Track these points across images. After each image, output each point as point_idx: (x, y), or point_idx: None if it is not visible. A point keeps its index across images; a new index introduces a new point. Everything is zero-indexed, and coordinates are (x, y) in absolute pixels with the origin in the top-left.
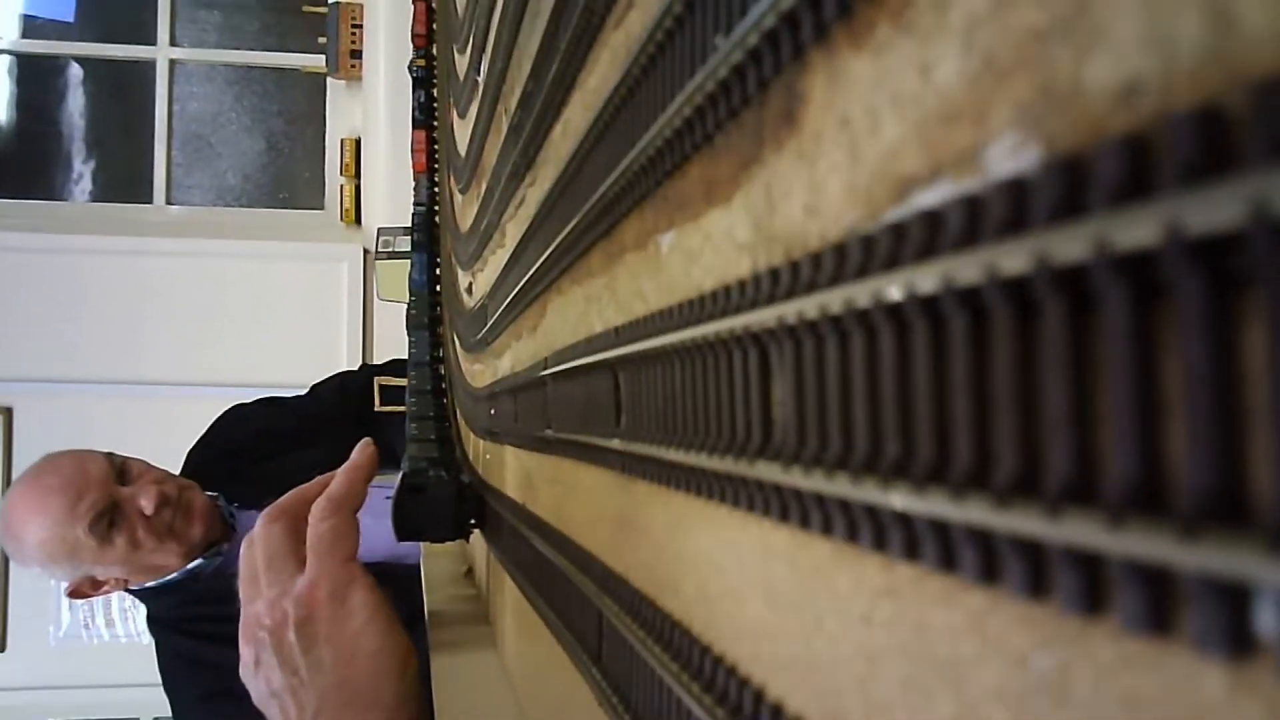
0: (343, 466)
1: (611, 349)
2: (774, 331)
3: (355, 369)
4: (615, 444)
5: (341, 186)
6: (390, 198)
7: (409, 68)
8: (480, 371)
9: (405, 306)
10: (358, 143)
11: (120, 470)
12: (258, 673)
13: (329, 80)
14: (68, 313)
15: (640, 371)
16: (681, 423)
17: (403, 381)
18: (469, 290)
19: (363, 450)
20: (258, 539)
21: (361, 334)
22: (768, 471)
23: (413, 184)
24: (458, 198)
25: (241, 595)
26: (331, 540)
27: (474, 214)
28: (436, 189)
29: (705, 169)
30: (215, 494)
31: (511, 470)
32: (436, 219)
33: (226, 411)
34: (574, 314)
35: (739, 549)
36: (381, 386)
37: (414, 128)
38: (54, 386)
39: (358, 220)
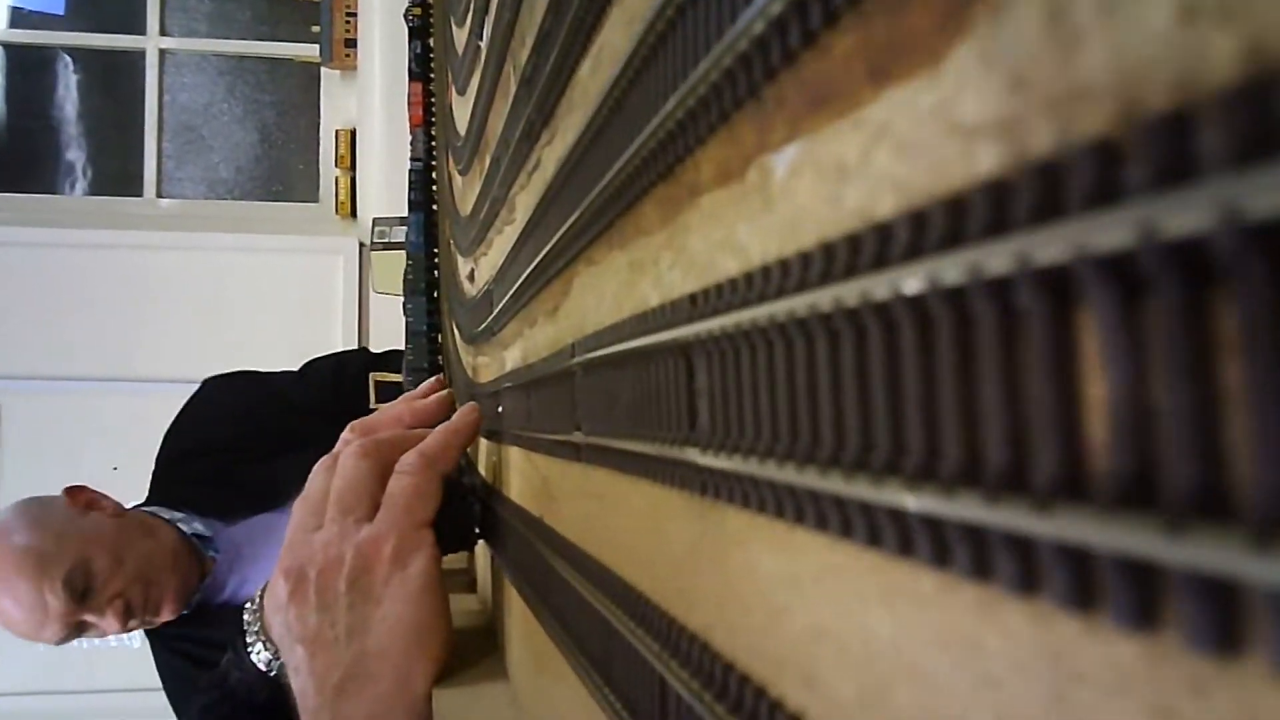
0: (443, 424)
1: (683, 326)
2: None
3: (353, 350)
4: (690, 455)
5: (336, 179)
6: (386, 190)
7: (404, 16)
8: (485, 365)
9: (401, 299)
10: (353, 134)
11: (84, 588)
12: (289, 607)
13: (323, 70)
14: (56, 309)
15: (737, 354)
16: (831, 429)
17: (399, 377)
18: (470, 277)
19: (467, 413)
20: (341, 468)
21: (357, 329)
22: (1056, 523)
23: (409, 139)
24: (457, 181)
25: (295, 513)
26: (411, 497)
27: (476, 194)
28: (434, 143)
29: (872, 31)
30: (182, 515)
31: (523, 476)
32: (434, 175)
33: (198, 393)
34: (613, 287)
35: (958, 633)
36: (378, 383)
37: (410, 79)
38: (42, 384)
39: (353, 213)
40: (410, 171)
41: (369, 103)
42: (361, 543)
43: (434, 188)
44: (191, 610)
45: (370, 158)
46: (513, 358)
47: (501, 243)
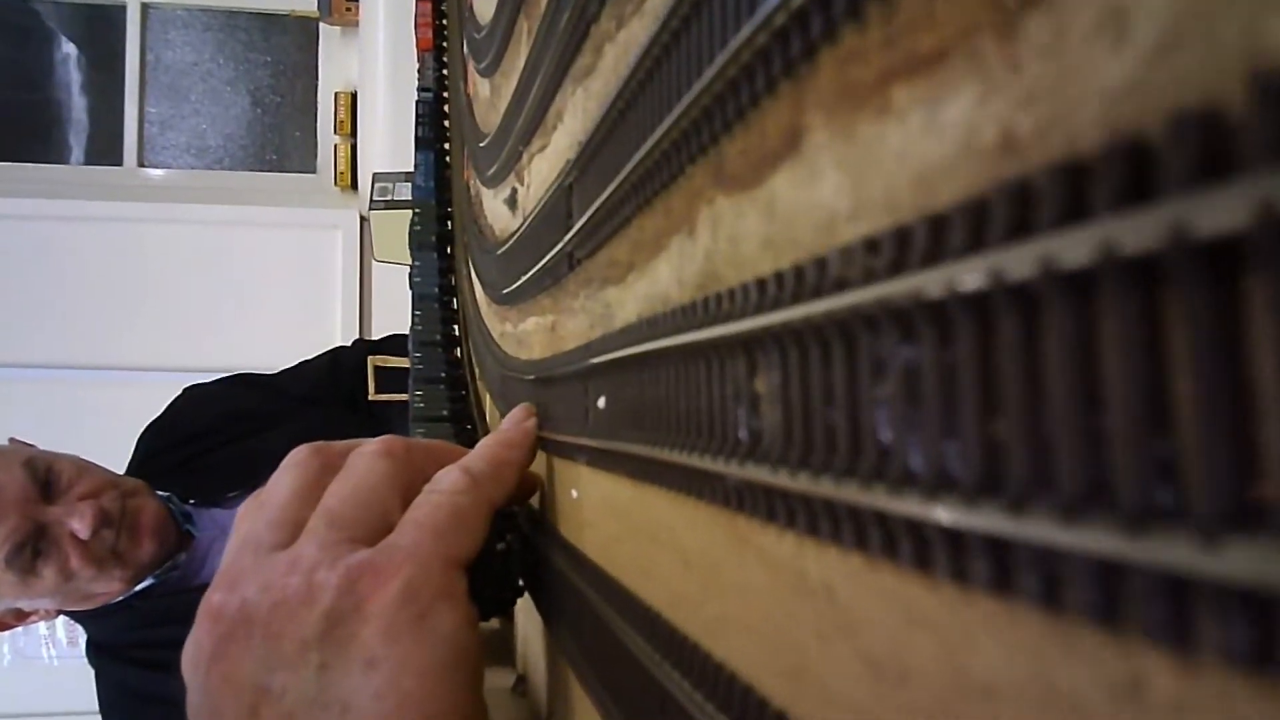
0: (488, 437)
1: None
2: None
3: (349, 344)
4: None
5: (335, 146)
6: (390, 158)
7: None
8: (536, 333)
9: (406, 270)
10: (353, 97)
11: (45, 480)
12: (209, 667)
13: (321, 26)
14: (24, 288)
15: None
16: None
17: (403, 362)
18: (511, 202)
19: (521, 417)
20: (349, 467)
21: (358, 310)
22: None
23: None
24: (481, 91)
25: (242, 522)
26: (446, 522)
27: (516, 77)
28: (445, 71)
29: None
30: (167, 494)
31: (665, 545)
32: (446, 108)
33: (185, 390)
34: None
35: None
36: (378, 369)
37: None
38: (8, 372)
39: (353, 184)
40: (418, 104)
41: (372, 62)
42: (354, 569)
43: (444, 123)
44: (161, 593)
45: (372, 123)
46: (638, 299)
47: (583, 105)
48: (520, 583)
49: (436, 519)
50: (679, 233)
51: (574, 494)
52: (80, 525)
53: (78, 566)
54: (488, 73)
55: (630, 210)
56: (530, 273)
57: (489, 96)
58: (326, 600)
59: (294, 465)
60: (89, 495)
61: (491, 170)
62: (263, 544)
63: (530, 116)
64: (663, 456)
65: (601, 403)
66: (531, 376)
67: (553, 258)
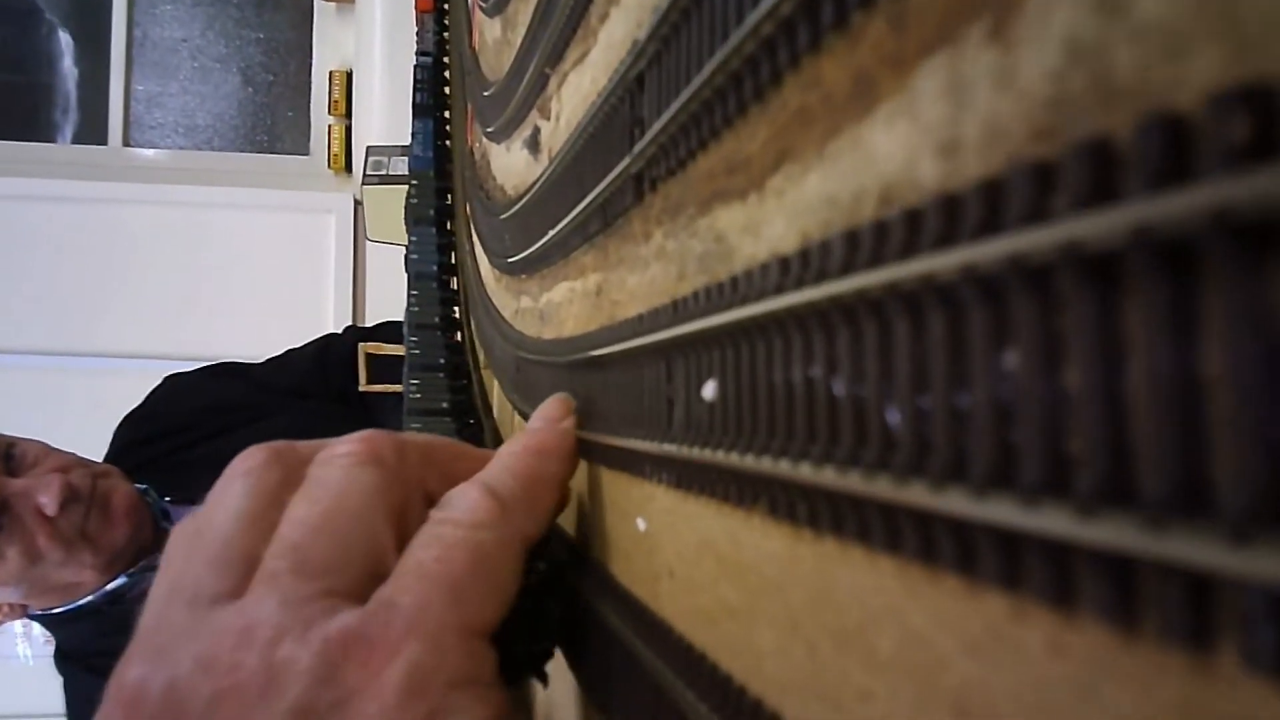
0: (514, 442)
1: None
2: None
3: (340, 332)
4: None
5: (329, 127)
6: (385, 140)
7: None
8: (572, 302)
9: (402, 250)
10: (349, 76)
11: (8, 454)
12: None
13: (316, 2)
14: (4, 271)
15: None
16: None
17: (398, 349)
18: (533, 143)
19: (555, 422)
20: (314, 480)
21: (351, 297)
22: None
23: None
24: (486, 37)
25: (170, 563)
26: (465, 571)
27: (533, 5)
28: (446, 34)
29: None
30: (144, 486)
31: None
32: (446, 74)
33: (166, 379)
34: None
35: None
36: (370, 356)
37: None
38: None
39: (348, 167)
40: (416, 68)
41: (368, 40)
42: (334, 643)
43: (444, 90)
44: (135, 596)
45: (368, 104)
46: (801, 209)
47: None
48: (551, 634)
49: (451, 566)
50: (938, 51)
51: (640, 525)
52: (47, 498)
53: (45, 546)
54: (499, 7)
55: (784, 59)
56: (564, 223)
57: (500, 35)
58: (295, 690)
59: (241, 475)
60: (57, 470)
61: (503, 118)
62: (200, 593)
63: (563, 21)
64: (919, 502)
65: (709, 391)
66: (565, 359)
67: (605, 190)
